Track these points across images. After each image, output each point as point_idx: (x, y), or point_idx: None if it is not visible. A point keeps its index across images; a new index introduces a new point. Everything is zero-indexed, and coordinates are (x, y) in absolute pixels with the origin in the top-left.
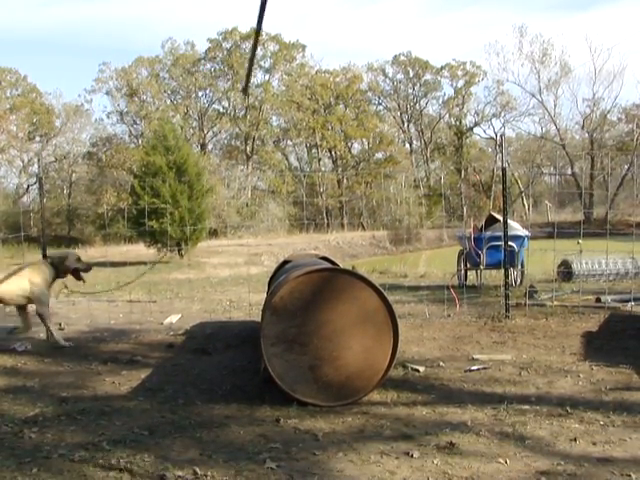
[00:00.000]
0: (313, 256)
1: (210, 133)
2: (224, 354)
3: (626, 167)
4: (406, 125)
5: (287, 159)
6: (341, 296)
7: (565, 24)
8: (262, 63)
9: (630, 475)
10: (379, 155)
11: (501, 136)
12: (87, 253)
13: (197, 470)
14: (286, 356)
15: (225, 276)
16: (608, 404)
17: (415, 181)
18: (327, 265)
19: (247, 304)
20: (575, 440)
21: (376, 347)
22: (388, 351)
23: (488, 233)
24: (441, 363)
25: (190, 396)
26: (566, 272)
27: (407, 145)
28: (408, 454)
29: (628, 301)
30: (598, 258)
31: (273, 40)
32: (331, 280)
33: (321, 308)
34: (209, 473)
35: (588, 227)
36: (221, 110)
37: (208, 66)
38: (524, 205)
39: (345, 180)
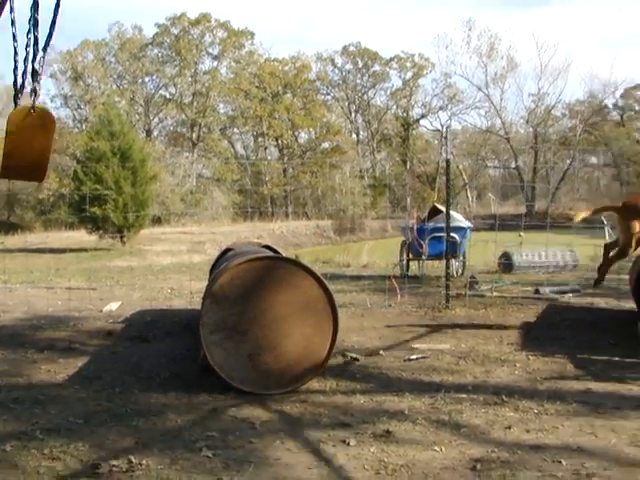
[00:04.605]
0: (255, 244)
1: (156, 119)
2: (163, 342)
3: (568, 162)
4: (353, 115)
5: (233, 147)
6: (282, 284)
7: (513, 20)
8: (210, 50)
9: (561, 462)
10: (325, 145)
11: (446, 128)
12: (26, 239)
13: (132, 459)
14: (225, 344)
15: (167, 264)
16: (543, 393)
17: (361, 171)
18: (269, 253)
19: (188, 292)
20: (509, 428)
21: (316, 336)
22: (328, 340)
23: (431, 224)
24: (381, 352)
25: (127, 384)
26: (507, 264)
27: (354, 135)
28: (345, 442)
29: (566, 293)
30: (538, 250)
31: (222, 27)
32: (272, 268)
33: (262, 296)
34: (144, 462)
35: (530, 220)
36: (168, 96)
37: (155, 51)
38: (468, 197)
39: (291, 169)
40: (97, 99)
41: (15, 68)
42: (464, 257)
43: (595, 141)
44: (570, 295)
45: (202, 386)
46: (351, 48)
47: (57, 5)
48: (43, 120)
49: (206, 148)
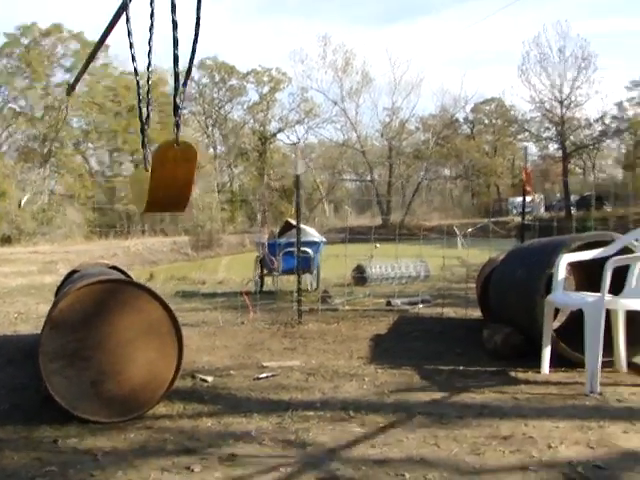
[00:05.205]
0: (103, 265)
1: (5, 133)
2: (4, 371)
3: (421, 174)
4: (210, 129)
5: (88, 162)
6: (125, 308)
7: (367, 36)
8: (63, 62)
9: (404, 474)
10: None
11: (296, 144)
12: None
13: None
14: (66, 372)
15: (16, 285)
16: (389, 406)
17: (218, 186)
18: (112, 276)
19: (36, 316)
20: (355, 444)
21: (160, 359)
22: (173, 362)
23: (283, 239)
24: (231, 372)
25: None
26: (360, 276)
27: (211, 150)
28: (189, 469)
29: (416, 303)
30: (391, 262)
31: (75, 38)
32: (115, 292)
33: (104, 321)
34: None
35: (386, 232)
36: (17, 109)
37: (4, 62)
38: (325, 210)
39: None
40: None
41: (139, 101)
42: (318, 271)
43: (447, 154)
44: (421, 306)
45: (43, 417)
46: (208, 62)
47: (195, 40)
48: (186, 154)
49: (59, 164)
